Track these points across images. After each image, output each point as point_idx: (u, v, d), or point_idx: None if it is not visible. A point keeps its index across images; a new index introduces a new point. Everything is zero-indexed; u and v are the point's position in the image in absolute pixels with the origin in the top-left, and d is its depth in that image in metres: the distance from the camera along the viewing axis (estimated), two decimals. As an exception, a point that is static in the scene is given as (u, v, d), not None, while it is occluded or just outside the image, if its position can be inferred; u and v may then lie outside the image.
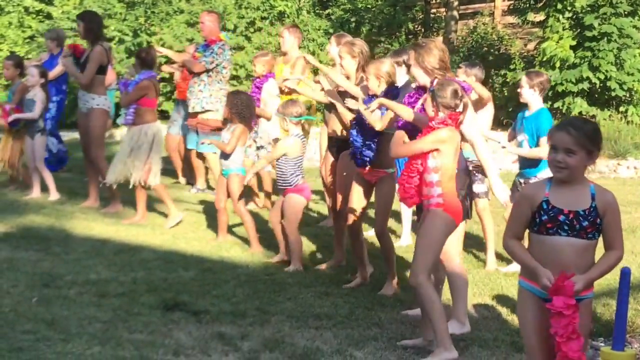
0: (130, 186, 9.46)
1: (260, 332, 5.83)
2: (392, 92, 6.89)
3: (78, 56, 10.48)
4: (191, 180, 12.08)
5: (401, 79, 7.75)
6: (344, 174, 7.58)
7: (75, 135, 10.98)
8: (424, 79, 6.09)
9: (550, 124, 7.46)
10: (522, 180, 7.69)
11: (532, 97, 7.71)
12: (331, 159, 8.21)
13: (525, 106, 7.86)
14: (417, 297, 5.58)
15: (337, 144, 8.00)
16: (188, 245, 8.52)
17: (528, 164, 7.65)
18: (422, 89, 6.15)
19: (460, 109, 5.51)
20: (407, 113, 5.93)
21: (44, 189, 10.71)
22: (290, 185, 7.95)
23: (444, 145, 5.46)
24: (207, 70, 10.92)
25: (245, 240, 8.71)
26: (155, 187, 9.49)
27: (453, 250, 6.06)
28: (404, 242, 8.86)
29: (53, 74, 11.71)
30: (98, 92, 10.27)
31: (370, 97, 7.02)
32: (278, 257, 8.09)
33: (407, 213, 8.95)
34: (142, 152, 9.36)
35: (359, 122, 6.98)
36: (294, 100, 8.35)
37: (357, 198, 7.18)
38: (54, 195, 10.57)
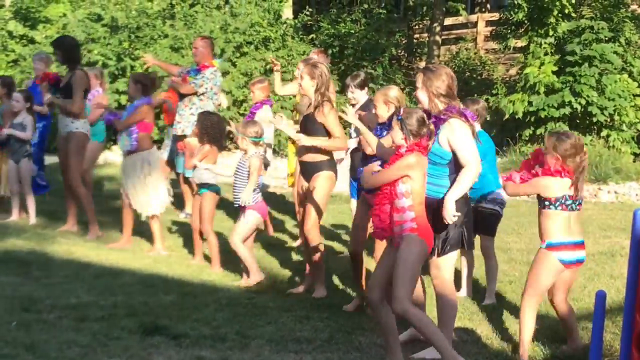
0: (143, 218, 9.45)
1: (240, 356, 5.82)
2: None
3: (52, 83, 10.50)
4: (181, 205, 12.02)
5: (361, 99, 8.58)
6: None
7: (56, 159, 11.00)
8: (429, 104, 6.13)
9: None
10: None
11: None
12: (304, 184, 7.92)
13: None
14: (409, 322, 5.62)
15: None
16: (169, 269, 8.51)
17: (476, 187, 7.58)
18: (426, 113, 6.19)
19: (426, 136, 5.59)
20: (373, 143, 6.38)
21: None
22: (251, 203, 8.09)
23: (412, 171, 5.50)
24: (198, 94, 10.87)
25: (224, 263, 8.74)
26: (155, 216, 9.44)
27: (448, 276, 6.07)
28: None
29: (42, 109, 11.30)
30: (77, 115, 10.18)
31: (380, 125, 7.09)
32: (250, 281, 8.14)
33: None
34: (148, 180, 9.33)
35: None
36: (254, 121, 8.56)
37: (363, 224, 7.23)
38: (32, 219, 10.57)
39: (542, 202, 5.92)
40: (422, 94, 6.11)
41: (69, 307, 6.78)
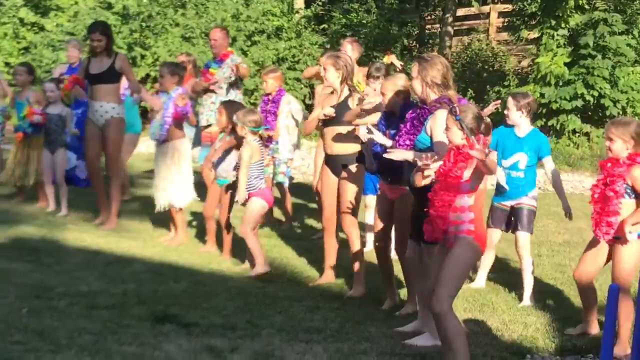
0: (160, 208, 9.39)
1: (250, 345, 5.82)
2: (410, 106, 6.80)
3: (83, 86, 10.57)
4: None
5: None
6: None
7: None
8: (422, 93, 6.11)
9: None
10: (508, 203, 7.67)
11: (520, 119, 7.55)
12: (331, 176, 7.79)
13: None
14: (438, 324, 5.27)
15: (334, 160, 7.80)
16: (179, 258, 8.52)
17: (522, 184, 7.61)
18: (424, 104, 6.17)
19: (484, 131, 5.37)
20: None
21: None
22: (255, 189, 8.07)
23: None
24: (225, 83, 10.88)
25: (236, 253, 8.76)
26: (180, 208, 9.41)
27: None
28: None
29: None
30: (118, 100, 10.09)
31: (386, 115, 6.96)
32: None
33: None
34: (175, 169, 9.28)
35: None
36: (253, 110, 8.55)
37: (383, 218, 7.11)
38: (64, 210, 10.48)
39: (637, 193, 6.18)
40: (416, 83, 6.14)
41: (79, 295, 6.79)
